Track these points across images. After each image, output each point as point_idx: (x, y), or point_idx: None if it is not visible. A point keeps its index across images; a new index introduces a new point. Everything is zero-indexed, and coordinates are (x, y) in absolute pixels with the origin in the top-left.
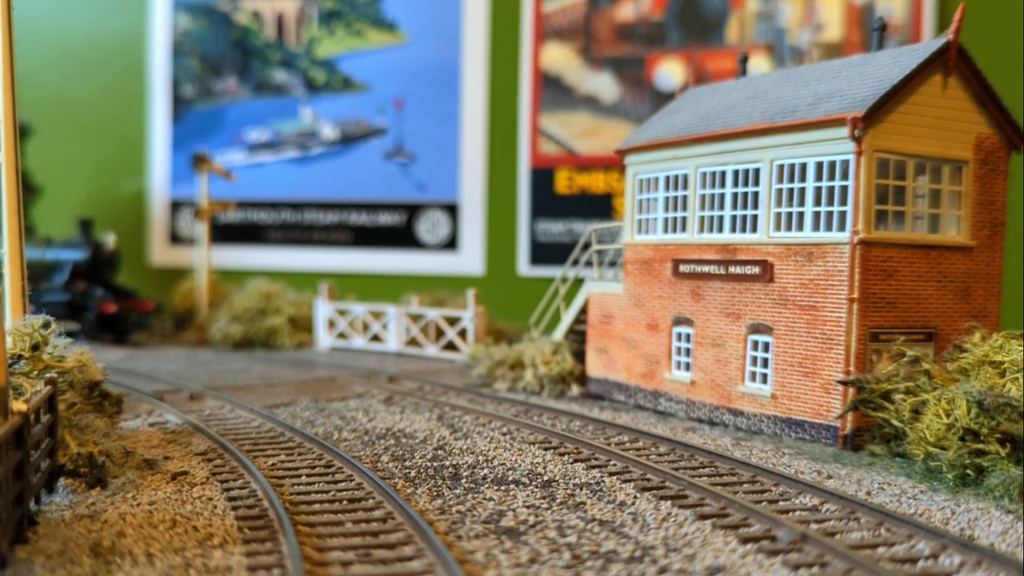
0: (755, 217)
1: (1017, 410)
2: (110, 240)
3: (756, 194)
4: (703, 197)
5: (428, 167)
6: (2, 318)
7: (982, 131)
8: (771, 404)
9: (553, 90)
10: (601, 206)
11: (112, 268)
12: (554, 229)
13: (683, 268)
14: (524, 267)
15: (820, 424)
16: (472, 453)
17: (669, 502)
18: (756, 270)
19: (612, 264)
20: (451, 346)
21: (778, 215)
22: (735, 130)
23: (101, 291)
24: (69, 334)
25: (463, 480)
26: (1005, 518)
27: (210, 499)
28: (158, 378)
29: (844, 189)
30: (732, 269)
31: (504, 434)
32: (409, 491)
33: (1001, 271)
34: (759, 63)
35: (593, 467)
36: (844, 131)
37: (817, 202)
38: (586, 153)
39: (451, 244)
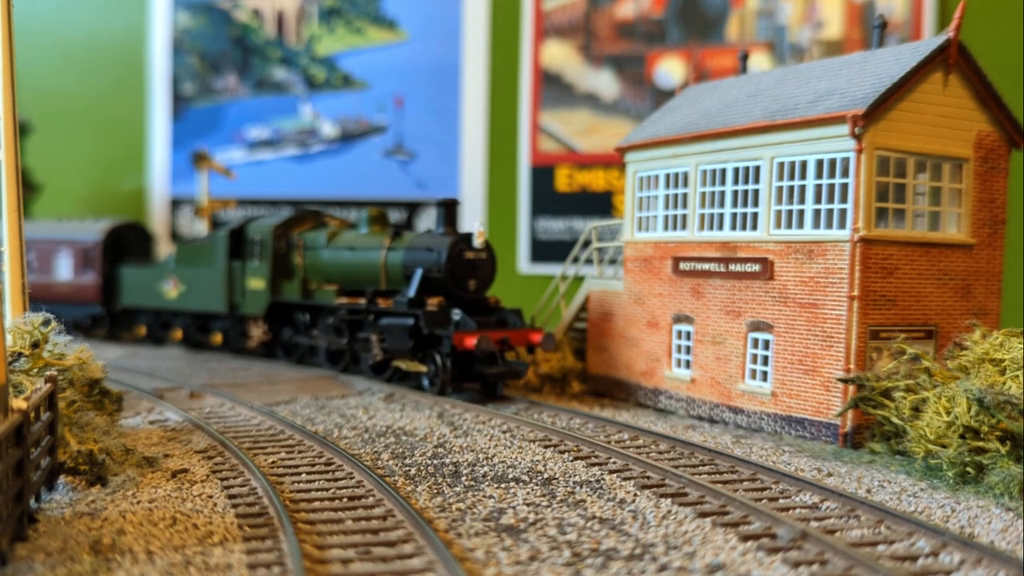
0: (755, 215)
1: (1017, 408)
2: (478, 233)
3: (756, 192)
4: (703, 195)
5: (428, 165)
6: (2, 315)
7: (982, 129)
8: (771, 402)
9: (553, 88)
10: (601, 204)
11: (482, 277)
12: (554, 227)
13: (683, 266)
14: (524, 265)
15: (820, 422)
16: (472, 451)
17: (669, 500)
18: (756, 268)
19: (612, 262)
20: None
21: (778, 213)
22: (735, 128)
23: (459, 313)
24: (409, 378)
25: (463, 478)
26: (1005, 516)
27: (210, 497)
28: (158, 376)
29: (844, 187)
30: (732, 267)
31: (504, 432)
32: (409, 489)
33: (1001, 269)
34: (759, 61)
35: (593, 465)
36: (844, 129)
37: (817, 200)
38: (586, 151)
39: None
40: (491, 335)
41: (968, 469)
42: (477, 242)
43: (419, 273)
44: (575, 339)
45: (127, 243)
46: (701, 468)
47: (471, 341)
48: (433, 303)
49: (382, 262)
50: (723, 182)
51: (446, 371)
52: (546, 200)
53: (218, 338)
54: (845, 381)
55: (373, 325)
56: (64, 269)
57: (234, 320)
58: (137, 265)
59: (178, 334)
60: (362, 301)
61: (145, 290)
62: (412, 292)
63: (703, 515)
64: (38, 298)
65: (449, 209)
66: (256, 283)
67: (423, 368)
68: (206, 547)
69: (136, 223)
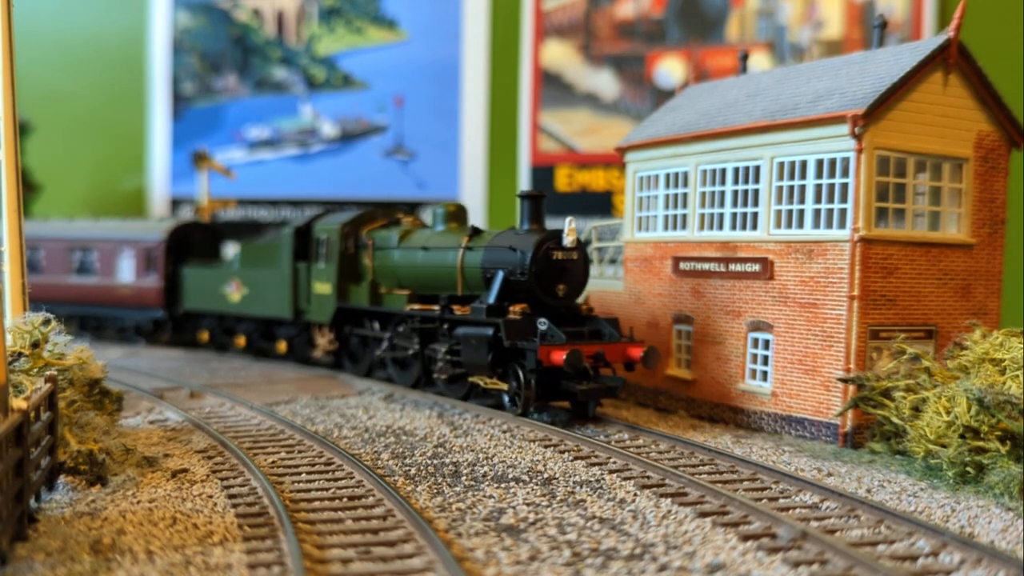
0: (755, 215)
1: (1017, 408)
2: (568, 230)
3: (756, 191)
4: (703, 194)
5: (428, 164)
6: (2, 315)
7: (982, 128)
8: (771, 401)
9: (553, 87)
10: (601, 204)
11: (572, 281)
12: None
13: (683, 266)
14: None
15: (820, 421)
16: (472, 451)
17: (669, 499)
18: (756, 267)
19: (612, 262)
20: None
21: (778, 212)
22: (735, 127)
23: (546, 323)
24: (487, 395)
25: (463, 478)
26: (1005, 515)
27: (210, 496)
28: (158, 376)
29: (844, 186)
30: (732, 267)
31: (504, 432)
32: (409, 489)
33: (1001, 268)
34: (759, 60)
35: (593, 464)
36: (844, 128)
37: (817, 199)
38: (586, 151)
39: None
40: (583, 349)
41: (968, 469)
42: (567, 240)
43: (500, 276)
44: None
45: (192, 243)
46: (701, 468)
47: (559, 356)
48: (516, 311)
49: (458, 263)
50: (723, 182)
51: (529, 389)
52: (546, 200)
53: (283, 346)
54: (845, 381)
55: (448, 335)
56: (126, 271)
57: (299, 327)
58: (199, 266)
59: (241, 341)
60: (436, 308)
61: (208, 293)
62: (492, 298)
63: (703, 515)
64: (100, 302)
65: (535, 203)
66: (322, 287)
67: (503, 386)
68: (206, 547)
69: (203, 222)
